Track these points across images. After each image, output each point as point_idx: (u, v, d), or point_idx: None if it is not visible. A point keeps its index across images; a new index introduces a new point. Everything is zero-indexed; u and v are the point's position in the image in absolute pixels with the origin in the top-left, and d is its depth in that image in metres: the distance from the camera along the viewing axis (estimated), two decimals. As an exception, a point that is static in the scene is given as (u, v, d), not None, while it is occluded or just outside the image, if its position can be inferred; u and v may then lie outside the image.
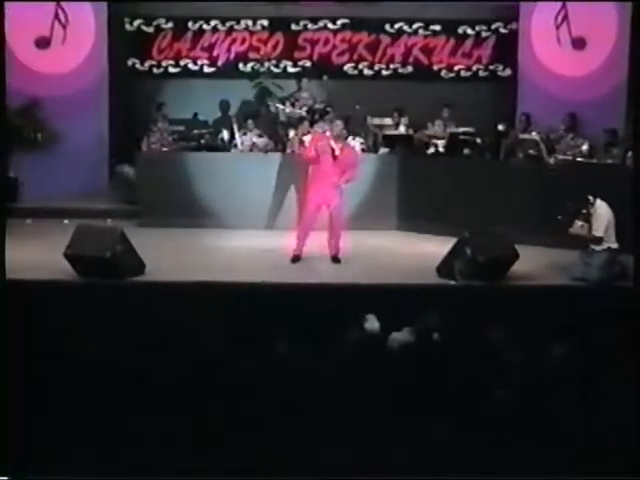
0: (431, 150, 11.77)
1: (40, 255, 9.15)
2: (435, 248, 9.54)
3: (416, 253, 9.93)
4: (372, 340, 6.26)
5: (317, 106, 13.04)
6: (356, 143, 11.49)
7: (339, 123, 9.60)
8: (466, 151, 11.29)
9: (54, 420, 4.66)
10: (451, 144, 11.46)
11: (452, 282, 8.58)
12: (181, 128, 12.72)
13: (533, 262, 9.11)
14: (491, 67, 13.90)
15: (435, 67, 13.99)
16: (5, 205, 8.56)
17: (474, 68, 13.93)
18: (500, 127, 11.34)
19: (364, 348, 6.00)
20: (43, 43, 12.84)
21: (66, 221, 10.98)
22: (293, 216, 10.84)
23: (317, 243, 9.66)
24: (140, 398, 4.91)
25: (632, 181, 7.84)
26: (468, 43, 13.90)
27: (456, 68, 13.97)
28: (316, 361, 5.59)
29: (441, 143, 11.73)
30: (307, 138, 11.50)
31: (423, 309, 6.71)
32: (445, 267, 8.79)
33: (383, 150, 11.80)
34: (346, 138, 11.55)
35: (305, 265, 9.33)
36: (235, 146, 11.72)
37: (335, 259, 9.47)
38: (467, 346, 5.91)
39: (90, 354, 5.53)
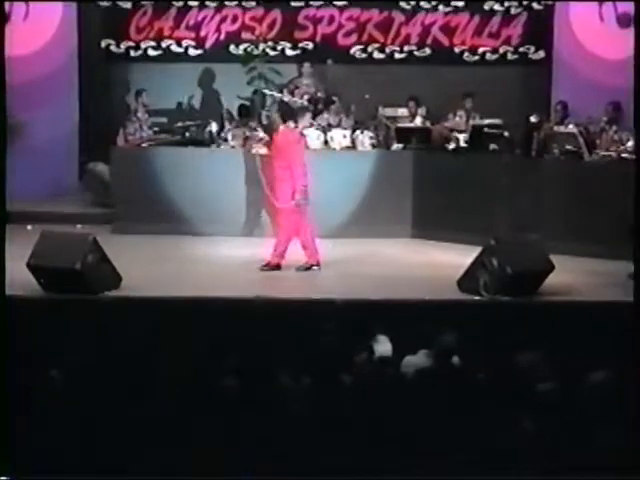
0: (452, 145, 11.82)
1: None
2: (456, 258, 9.58)
3: (434, 264, 9.97)
4: (383, 364, 6.30)
5: (320, 95, 13.10)
6: (365, 137, 11.57)
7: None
8: (492, 146, 11.34)
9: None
10: (475, 138, 11.51)
11: (476, 297, 8.62)
12: (163, 119, 12.81)
13: (570, 274, 9.15)
14: (522, 49, 13.96)
15: (457, 49, 14.05)
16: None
17: (502, 50, 14.00)
18: (532, 118, 11.39)
19: (373, 374, 6.03)
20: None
21: (29, 227, 11.04)
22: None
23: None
24: (117, 433, 4.98)
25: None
26: (495, 21, 13.96)
27: (481, 50, 14.03)
28: (319, 389, 5.63)
29: (463, 137, 11.78)
30: (310, 132, 11.59)
31: (442, 328, 6.74)
32: (468, 280, 8.83)
33: (396, 145, 11.85)
34: (354, 132, 11.66)
35: (304, 276, 9.38)
36: (225, 140, 11.77)
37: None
38: (492, 371, 5.95)
39: (56, 383, 5.57)
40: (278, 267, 9.65)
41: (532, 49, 13.89)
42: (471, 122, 11.98)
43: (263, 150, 9.92)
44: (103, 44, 13.96)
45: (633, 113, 9.71)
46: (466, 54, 14.03)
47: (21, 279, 8.46)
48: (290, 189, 9.52)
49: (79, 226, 11.23)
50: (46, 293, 8.40)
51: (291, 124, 9.81)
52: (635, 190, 8.13)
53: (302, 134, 11.40)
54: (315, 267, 9.67)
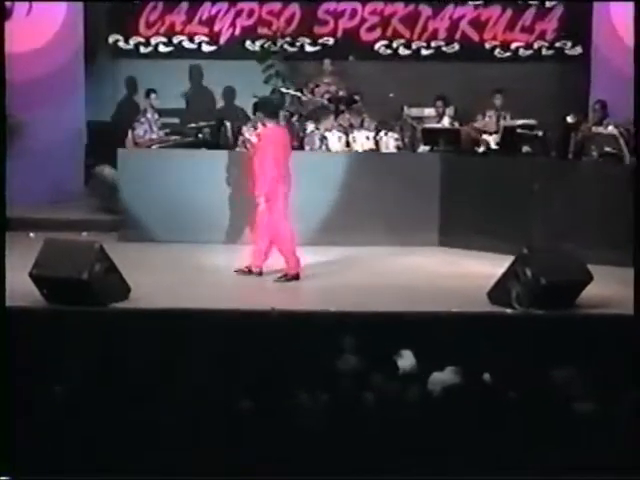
0: (482, 147, 11.80)
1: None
2: (486, 268, 9.56)
3: (462, 274, 9.96)
4: (407, 381, 6.29)
5: (342, 94, 13.13)
6: (389, 139, 11.58)
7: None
8: (525, 148, 11.32)
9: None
10: (506, 140, 11.49)
11: (508, 310, 8.60)
12: (174, 120, 12.86)
13: (609, 285, 9.11)
14: (557, 44, 13.96)
15: (487, 45, 14.06)
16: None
17: (536, 45, 14.00)
18: (569, 118, 11.36)
19: (397, 392, 6.03)
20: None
21: (32, 234, 11.10)
22: (315, 230, 10.94)
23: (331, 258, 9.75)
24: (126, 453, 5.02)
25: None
26: (529, 15, 13.97)
27: (514, 46, 14.03)
28: (338, 407, 5.63)
29: (494, 139, 11.77)
30: (330, 134, 11.61)
31: (471, 343, 6.73)
32: (499, 292, 8.81)
33: (422, 148, 11.85)
34: (377, 133, 11.67)
35: (321, 287, 9.38)
36: (242, 142, 11.79)
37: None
38: (525, 390, 5.93)
39: (60, 399, 5.60)
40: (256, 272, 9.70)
41: (568, 44, 13.89)
42: (502, 123, 11.96)
43: (254, 138, 9.98)
44: (110, 40, 14.05)
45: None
46: (497, 50, 14.03)
47: (23, 290, 8.50)
48: (262, 189, 9.56)
49: (85, 233, 11.28)
50: (50, 305, 8.42)
51: (273, 121, 9.82)
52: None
53: (324, 136, 11.56)
54: (293, 279, 9.62)
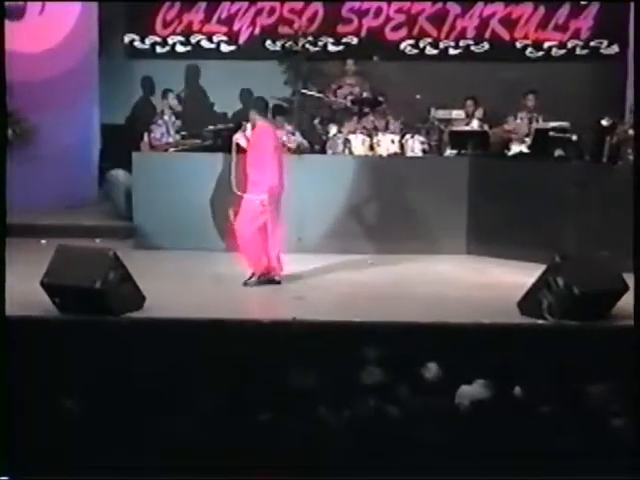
0: (512, 151, 11.77)
1: (8, 284, 9.28)
2: (516, 277, 9.53)
3: (491, 283, 9.93)
4: (434, 395, 6.28)
5: (366, 95, 13.13)
6: (415, 142, 11.56)
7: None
8: (558, 152, 11.29)
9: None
10: (538, 143, 11.47)
11: (539, 321, 8.57)
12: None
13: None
14: (592, 43, 13.93)
15: (519, 44, 14.05)
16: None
17: (570, 45, 13.98)
18: (604, 121, 11.32)
19: (423, 406, 6.01)
20: (15, 13, 13.07)
21: (43, 241, 11.15)
22: (337, 237, 10.94)
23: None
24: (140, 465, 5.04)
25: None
26: (562, 12, 13.95)
27: (546, 45, 14.02)
28: (361, 422, 5.62)
29: (525, 142, 11.74)
30: (354, 137, 11.60)
31: (501, 356, 6.69)
32: (529, 302, 8.78)
33: (450, 151, 11.84)
34: (403, 136, 11.66)
35: (344, 296, 9.37)
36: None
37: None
38: (559, 404, 5.91)
39: (72, 412, 5.62)
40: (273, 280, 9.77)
41: (604, 43, 13.84)
42: (534, 125, 11.93)
43: (243, 141, 9.94)
44: (126, 39, 14.12)
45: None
46: (529, 49, 14.02)
47: (34, 299, 8.53)
48: (260, 190, 9.53)
49: (98, 240, 11.32)
50: (62, 314, 8.45)
51: (267, 121, 9.84)
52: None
53: (347, 139, 11.55)
54: (253, 279, 9.69)
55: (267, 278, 9.74)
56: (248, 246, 9.70)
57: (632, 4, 12.99)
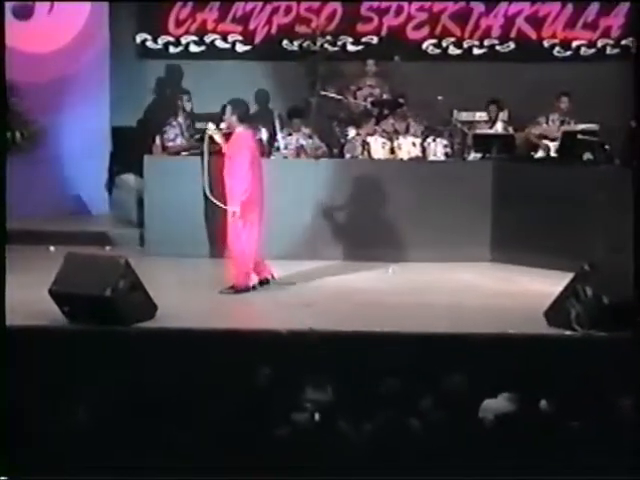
0: (539, 154, 11.74)
1: (15, 293, 9.32)
2: (542, 286, 9.52)
3: (516, 292, 9.92)
4: (456, 409, 6.26)
5: (386, 97, 13.13)
6: (437, 146, 11.55)
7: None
8: (587, 156, 11.26)
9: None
10: (566, 146, 11.44)
11: (567, 332, 8.55)
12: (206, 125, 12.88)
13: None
14: (624, 42, 13.87)
15: (546, 43, 14.01)
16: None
17: (600, 44, 13.93)
18: (633, 123, 11.30)
19: (445, 419, 6.00)
20: (23, 12, 13.13)
21: (52, 248, 11.20)
22: (356, 245, 10.94)
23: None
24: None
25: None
26: (592, 10, 13.90)
27: (575, 44, 13.98)
28: (382, 436, 5.62)
29: (552, 145, 11.72)
30: (373, 140, 11.61)
31: (527, 368, 6.68)
32: (557, 312, 8.76)
33: (474, 155, 11.83)
34: (425, 139, 11.66)
35: (364, 304, 9.37)
36: (277, 149, 11.85)
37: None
38: (588, 419, 5.88)
39: (83, 424, 5.64)
40: (266, 281, 9.92)
41: (636, 42, 13.78)
42: (562, 128, 11.93)
43: (218, 137, 9.87)
44: (138, 39, 14.15)
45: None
46: (557, 49, 13.98)
47: (42, 308, 8.56)
48: (234, 201, 9.57)
49: (108, 247, 11.36)
50: (71, 324, 8.48)
51: (246, 126, 9.80)
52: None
53: (366, 142, 11.56)
54: (231, 290, 9.73)
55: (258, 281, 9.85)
56: (237, 258, 9.74)
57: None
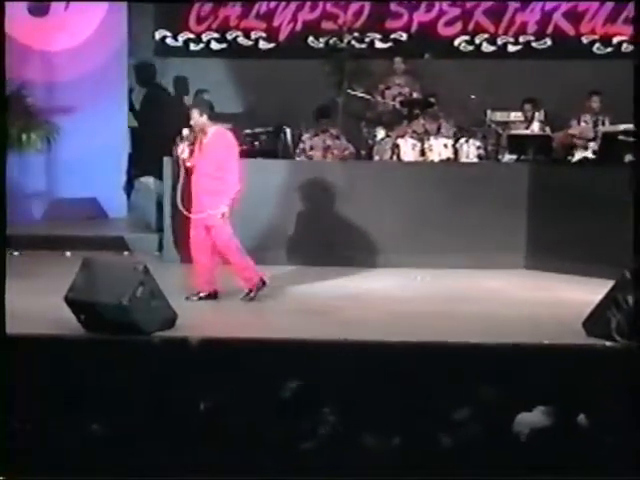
0: (577, 156, 11.72)
1: (30, 300, 9.37)
2: (581, 294, 9.48)
3: (553, 301, 9.88)
4: (491, 422, 6.26)
5: (416, 96, 13.13)
6: (470, 147, 11.55)
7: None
8: (628, 157, 11.23)
9: None
10: (606, 148, 11.41)
11: (606, 343, 8.52)
12: (227, 125, 12.91)
13: None
14: (669, 38, 13.83)
15: (585, 39, 13.99)
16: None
17: (642, 40, 13.89)
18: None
19: (478, 434, 6.00)
20: (39, 8, 13.21)
21: (68, 253, 11.25)
22: (385, 251, 10.96)
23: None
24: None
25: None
26: (634, 4, 13.84)
27: (615, 40, 13.94)
28: (410, 452, 5.63)
29: (591, 146, 11.69)
30: (403, 142, 11.60)
31: (564, 380, 6.66)
32: (596, 322, 8.72)
33: (508, 157, 11.82)
34: (457, 140, 11.65)
35: (392, 314, 9.37)
36: (302, 151, 11.87)
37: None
38: (628, 435, 5.87)
39: (100, 436, 5.67)
40: (215, 295, 9.67)
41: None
42: (601, 128, 11.87)
43: (185, 154, 9.69)
44: (157, 36, 14.23)
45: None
46: (596, 45, 13.96)
47: (58, 316, 8.59)
48: (221, 201, 9.40)
49: (126, 253, 11.39)
50: (87, 332, 8.51)
51: (218, 124, 9.73)
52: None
53: (396, 144, 11.56)
54: (249, 295, 9.60)
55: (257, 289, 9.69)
56: (236, 262, 9.60)
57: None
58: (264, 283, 9.66)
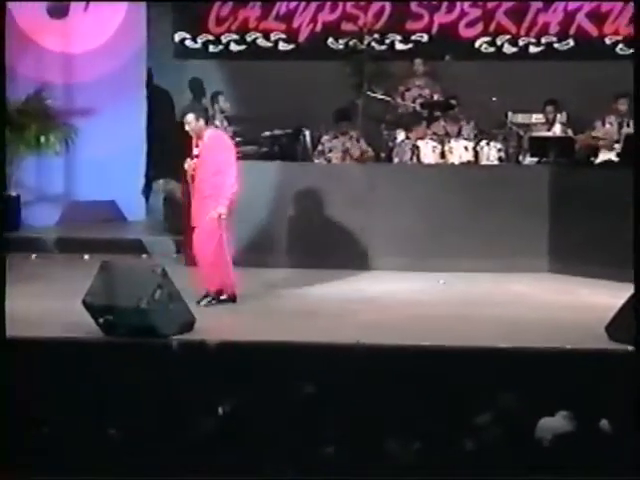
0: (600, 158, 11.67)
1: (49, 303, 9.40)
2: (603, 298, 9.44)
3: (575, 305, 9.85)
4: (512, 427, 6.24)
5: (436, 98, 13.11)
6: (491, 150, 11.52)
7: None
8: (652, 159, 11.19)
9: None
10: (629, 150, 11.36)
11: (629, 348, 8.48)
12: (247, 127, 12.92)
13: None
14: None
15: (608, 40, 13.93)
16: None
17: (667, 41, 13.84)
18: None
19: (500, 439, 5.98)
20: (58, 11, 13.25)
21: (86, 257, 11.27)
22: (404, 254, 10.94)
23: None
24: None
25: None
26: (659, 4, 13.82)
27: (638, 41, 13.89)
28: (432, 456, 5.61)
29: (617, 148, 11.64)
30: (423, 144, 11.58)
31: (587, 385, 6.63)
32: (619, 326, 8.68)
33: (529, 159, 11.79)
34: (477, 142, 11.63)
35: (413, 318, 9.35)
36: (321, 153, 11.86)
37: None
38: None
39: (117, 441, 5.68)
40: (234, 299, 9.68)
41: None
42: (625, 130, 11.82)
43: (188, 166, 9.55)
44: (176, 38, 14.24)
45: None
46: (620, 46, 13.89)
47: (76, 319, 8.61)
48: (219, 202, 9.37)
49: (145, 256, 11.41)
50: (105, 336, 8.53)
51: (213, 128, 9.70)
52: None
53: (416, 146, 11.54)
54: (213, 300, 9.55)
55: (222, 297, 9.63)
56: (209, 265, 9.55)
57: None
58: (233, 299, 9.64)
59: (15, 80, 12.20)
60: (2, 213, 8.65)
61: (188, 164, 9.50)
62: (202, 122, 9.50)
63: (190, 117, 9.52)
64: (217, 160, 9.45)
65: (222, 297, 9.58)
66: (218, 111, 12.49)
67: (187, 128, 9.50)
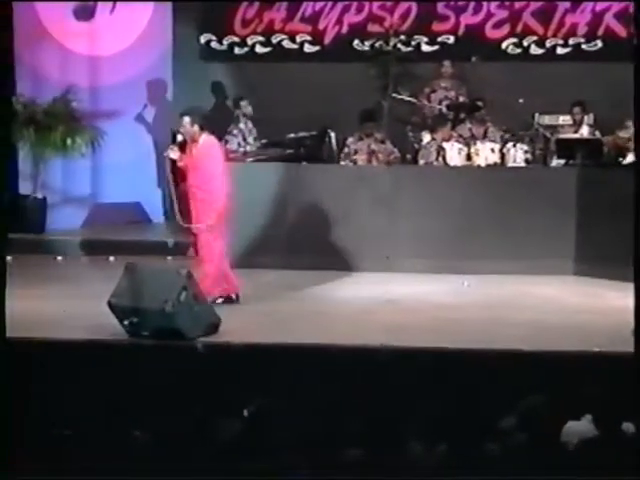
0: (628, 159, 11.63)
1: (74, 305, 9.45)
2: (631, 302, 9.40)
3: (602, 308, 9.82)
4: (537, 431, 6.22)
5: (463, 99, 13.09)
6: (517, 152, 11.49)
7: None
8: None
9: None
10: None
11: (657, 351, 8.46)
12: (272, 130, 12.93)
13: None
14: None
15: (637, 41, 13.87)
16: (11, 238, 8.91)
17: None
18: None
19: (526, 443, 5.96)
20: (85, 13, 13.31)
21: (111, 258, 11.32)
22: (430, 256, 10.93)
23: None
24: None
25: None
26: (689, 4, 13.76)
27: (668, 42, 13.83)
28: (456, 460, 5.60)
29: (644, 150, 11.59)
30: (449, 146, 11.57)
31: (614, 389, 6.60)
32: (646, 329, 8.66)
33: (557, 161, 11.75)
34: (504, 144, 11.60)
35: (436, 320, 9.35)
36: (347, 155, 11.87)
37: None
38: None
39: (140, 444, 5.70)
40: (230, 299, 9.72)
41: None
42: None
43: (174, 154, 9.71)
44: (202, 40, 14.28)
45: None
46: (649, 47, 13.83)
47: (101, 321, 8.66)
48: (208, 212, 9.47)
49: (170, 258, 11.44)
50: (130, 338, 8.56)
51: (207, 133, 9.70)
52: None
53: (441, 147, 11.53)
54: (219, 300, 9.59)
55: (224, 298, 9.70)
56: (211, 271, 9.63)
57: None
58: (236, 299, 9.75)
59: (42, 82, 12.29)
60: (4, 216, 8.70)
61: (176, 155, 9.54)
62: (197, 127, 9.53)
63: (186, 120, 9.58)
64: (209, 168, 9.52)
65: (219, 300, 9.63)
66: (242, 114, 12.50)
67: (181, 130, 9.55)
